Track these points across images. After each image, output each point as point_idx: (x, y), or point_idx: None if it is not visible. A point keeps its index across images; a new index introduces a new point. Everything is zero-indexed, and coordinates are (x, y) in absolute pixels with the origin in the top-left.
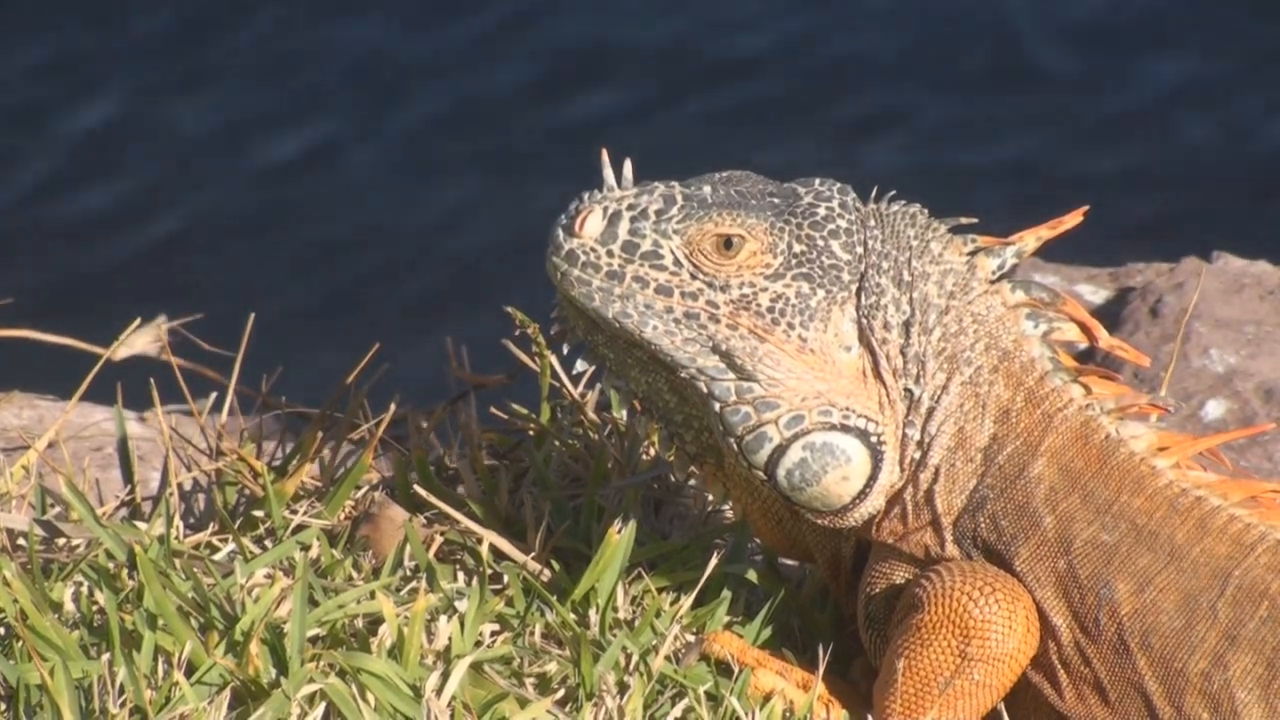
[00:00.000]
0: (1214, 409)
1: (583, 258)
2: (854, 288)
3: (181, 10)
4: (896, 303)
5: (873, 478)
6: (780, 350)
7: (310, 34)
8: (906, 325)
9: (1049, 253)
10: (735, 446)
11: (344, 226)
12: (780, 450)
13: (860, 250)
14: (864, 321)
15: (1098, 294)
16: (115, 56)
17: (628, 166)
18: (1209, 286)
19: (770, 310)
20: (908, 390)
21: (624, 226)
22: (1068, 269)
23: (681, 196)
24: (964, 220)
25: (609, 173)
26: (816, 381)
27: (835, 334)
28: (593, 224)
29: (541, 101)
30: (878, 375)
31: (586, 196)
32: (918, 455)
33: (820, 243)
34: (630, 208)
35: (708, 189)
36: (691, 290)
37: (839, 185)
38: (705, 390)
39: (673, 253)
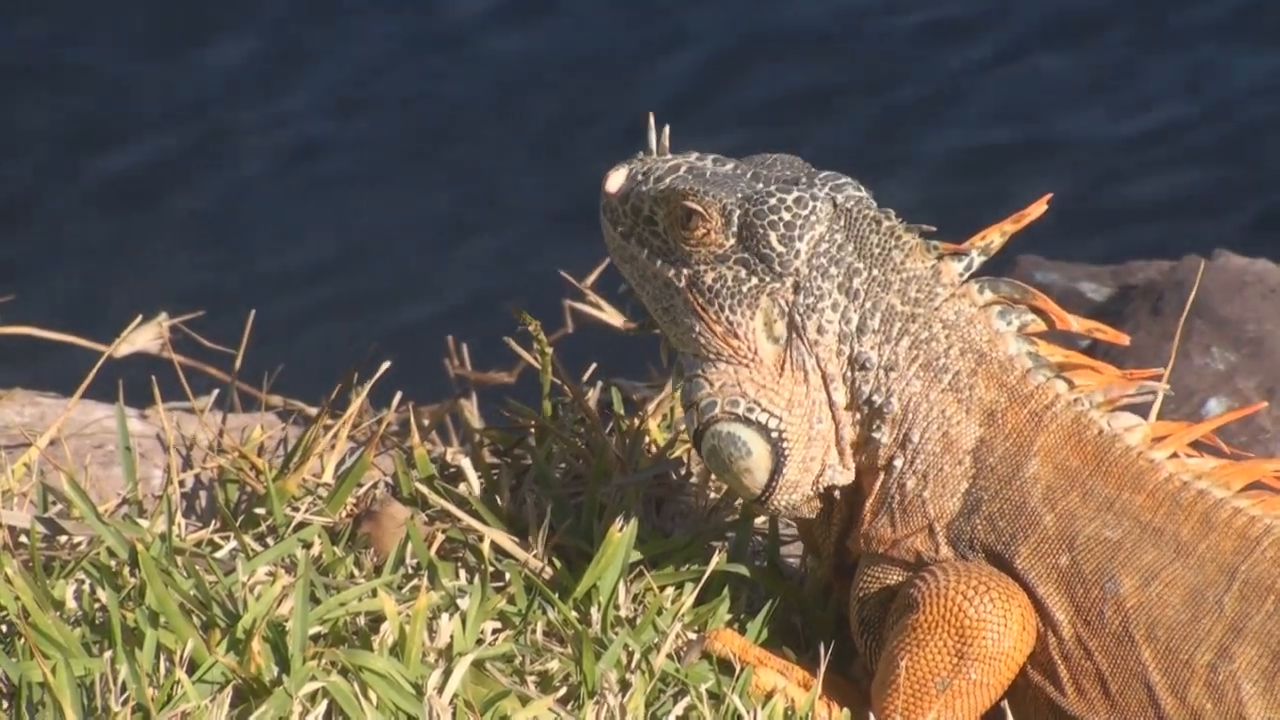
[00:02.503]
0: (1215, 407)
1: (608, 214)
2: (790, 282)
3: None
4: (839, 308)
5: (776, 473)
6: (711, 331)
7: (307, 33)
8: (858, 333)
9: (1051, 250)
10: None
11: (344, 225)
12: (699, 434)
13: (800, 246)
14: (798, 320)
15: (1099, 292)
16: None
17: (665, 132)
18: (1210, 284)
19: (709, 290)
20: (869, 400)
21: (636, 189)
22: (1069, 266)
23: (685, 167)
24: (925, 228)
25: (652, 136)
26: (737, 369)
27: (765, 324)
28: (613, 182)
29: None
30: (802, 375)
31: (631, 157)
32: (899, 462)
33: (760, 231)
34: (646, 173)
35: (712, 164)
36: (670, 260)
37: (836, 183)
38: (679, 358)
39: (661, 221)
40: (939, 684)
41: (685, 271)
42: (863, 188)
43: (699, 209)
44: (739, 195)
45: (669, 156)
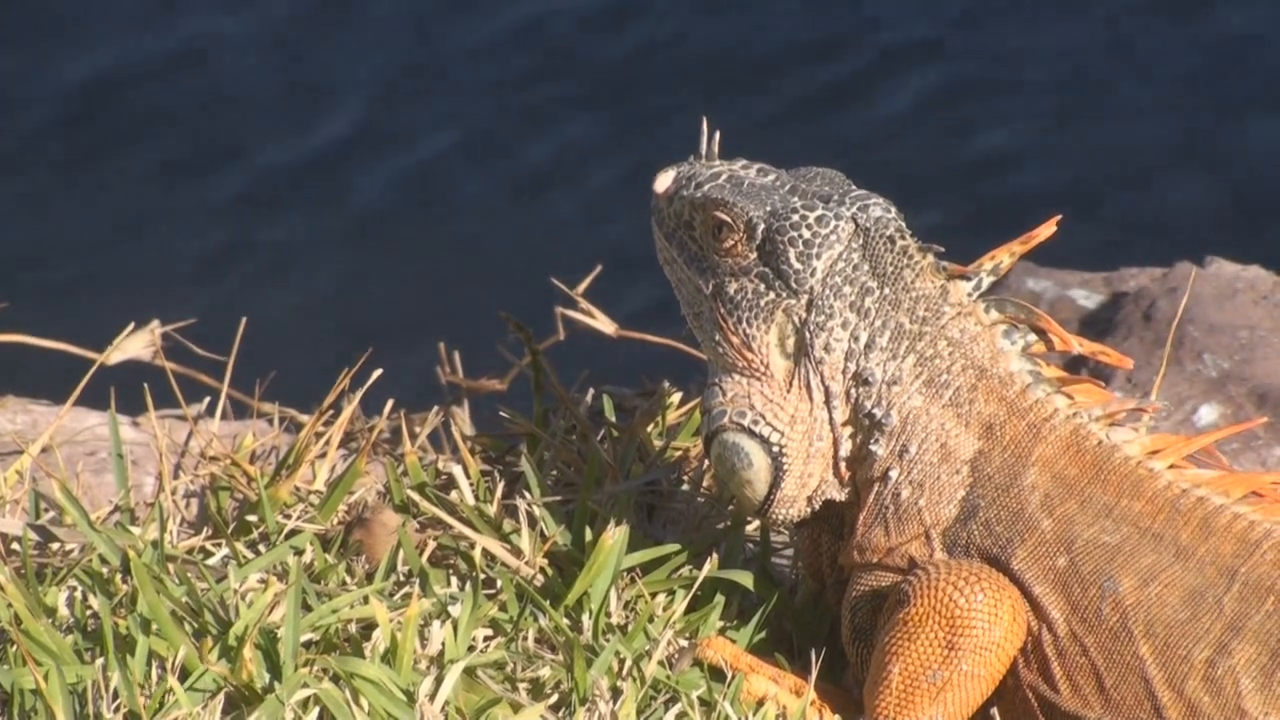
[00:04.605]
0: (1207, 414)
1: (655, 215)
2: (804, 299)
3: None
4: (849, 326)
5: (774, 486)
6: (728, 342)
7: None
8: (866, 349)
9: (1043, 258)
10: None
11: (339, 230)
12: (708, 441)
13: (816, 265)
14: (807, 337)
15: (1091, 299)
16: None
17: (715, 138)
18: (1202, 291)
19: (730, 300)
20: (869, 414)
21: (680, 193)
22: (1061, 274)
23: (726, 176)
24: (936, 248)
25: (704, 140)
26: (750, 381)
27: (779, 339)
28: (660, 183)
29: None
30: (806, 392)
31: (681, 160)
32: (895, 472)
33: (780, 247)
34: (691, 177)
35: (755, 175)
36: (701, 268)
37: (864, 203)
38: (707, 364)
39: (698, 228)
40: (930, 676)
41: (713, 281)
42: (892, 208)
43: (728, 220)
44: (766, 209)
45: (716, 163)
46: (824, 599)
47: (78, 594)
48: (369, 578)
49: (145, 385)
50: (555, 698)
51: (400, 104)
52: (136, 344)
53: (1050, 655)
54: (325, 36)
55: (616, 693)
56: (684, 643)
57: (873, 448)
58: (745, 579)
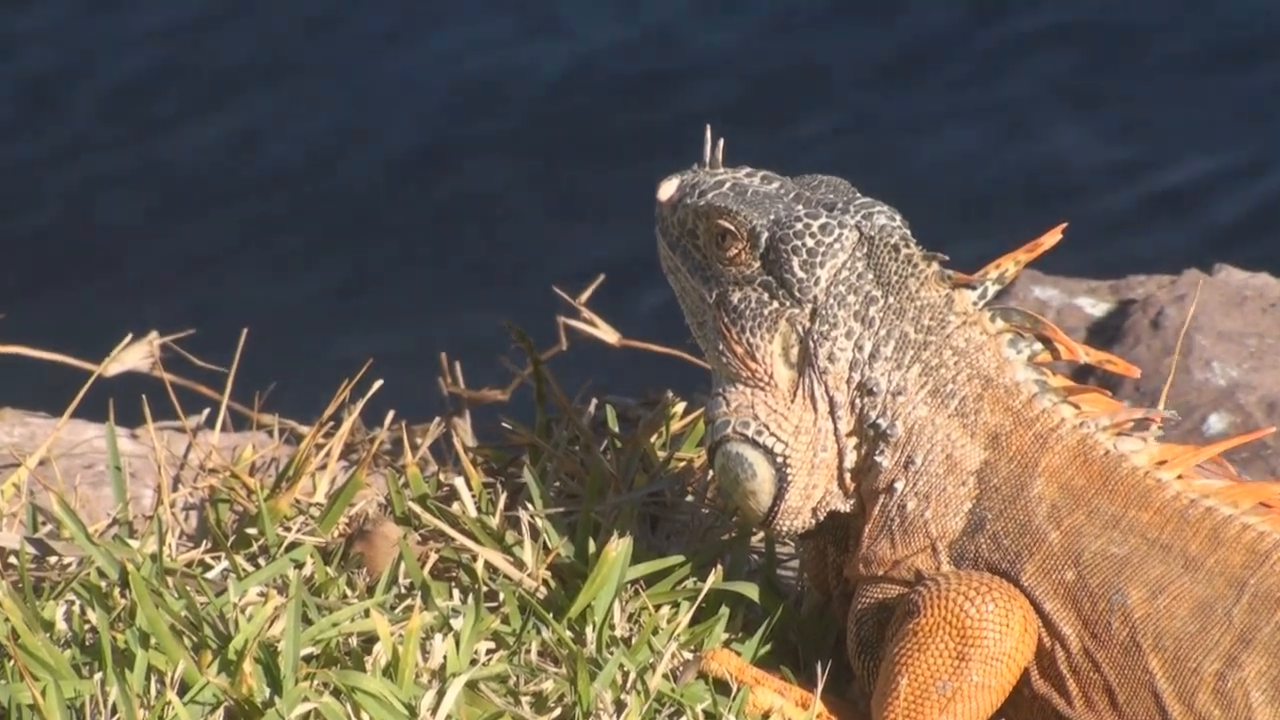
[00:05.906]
0: (1216, 422)
1: (659, 223)
2: (809, 309)
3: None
4: (853, 336)
5: (778, 497)
6: (732, 351)
7: (301, 44)
8: (870, 359)
9: (1049, 265)
10: None
11: (341, 236)
12: (711, 451)
13: (820, 274)
14: (811, 347)
15: (1098, 307)
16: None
17: (720, 146)
18: (1210, 299)
19: (734, 310)
20: (874, 425)
21: (684, 201)
22: (1068, 281)
23: (730, 184)
24: (941, 257)
25: (708, 148)
26: (754, 391)
27: (782, 349)
28: (664, 191)
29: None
30: (811, 403)
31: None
32: (901, 484)
33: (784, 255)
34: (694, 185)
35: (759, 183)
36: (705, 276)
37: (868, 211)
38: (710, 374)
39: (702, 236)
40: (940, 687)
41: (716, 289)
42: (897, 216)
43: (731, 228)
44: (770, 218)
45: (720, 170)
46: (829, 611)
47: (76, 608)
48: (370, 591)
49: (143, 397)
50: (558, 711)
51: (402, 107)
52: (134, 355)
53: (1064, 672)
54: (320, 38)
55: (620, 706)
56: (688, 655)
57: (878, 459)
58: (750, 591)
